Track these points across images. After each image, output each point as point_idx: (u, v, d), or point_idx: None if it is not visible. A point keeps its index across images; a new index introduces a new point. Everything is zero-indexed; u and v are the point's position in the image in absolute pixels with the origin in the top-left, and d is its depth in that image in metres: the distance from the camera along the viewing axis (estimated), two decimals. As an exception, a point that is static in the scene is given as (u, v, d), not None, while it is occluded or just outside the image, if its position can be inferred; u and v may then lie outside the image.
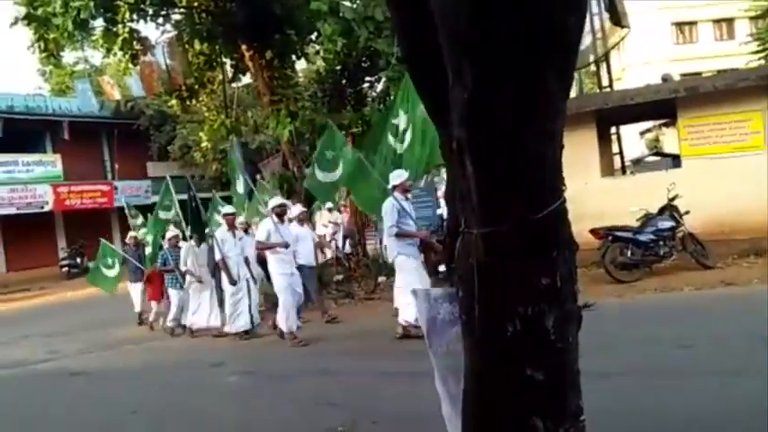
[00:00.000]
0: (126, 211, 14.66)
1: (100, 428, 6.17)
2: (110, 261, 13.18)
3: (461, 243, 2.05)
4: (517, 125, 1.79)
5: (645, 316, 7.46)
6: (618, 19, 12.96)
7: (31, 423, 6.65)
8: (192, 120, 22.07)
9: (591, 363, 2.20)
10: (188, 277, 10.69)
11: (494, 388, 1.97)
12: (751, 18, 31.33)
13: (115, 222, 28.11)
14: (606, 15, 12.89)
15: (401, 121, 8.47)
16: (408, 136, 8.39)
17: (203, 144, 18.90)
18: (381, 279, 13.55)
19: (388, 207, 7.78)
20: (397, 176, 7.92)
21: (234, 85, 16.34)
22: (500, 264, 1.89)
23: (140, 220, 14.39)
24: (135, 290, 12.47)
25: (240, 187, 11.96)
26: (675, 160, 13.75)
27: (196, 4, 13.89)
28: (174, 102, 16.00)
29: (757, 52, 27.36)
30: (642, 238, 9.63)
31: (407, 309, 7.60)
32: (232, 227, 9.90)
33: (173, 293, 11.22)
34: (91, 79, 30.43)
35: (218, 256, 9.65)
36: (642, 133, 27.20)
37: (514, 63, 1.73)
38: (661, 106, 11.96)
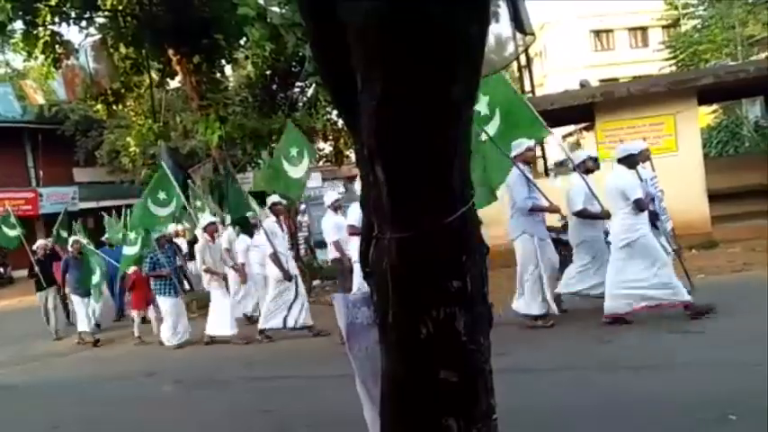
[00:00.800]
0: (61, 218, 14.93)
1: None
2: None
3: (375, 248, 2.08)
4: (425, 132, 1.84)
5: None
6: (522, 27, 13.58)
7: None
8: (119, 125, 21.63)
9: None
10: (206, 277, 9.83)
11: (409, 390, 2.02)
12: (663, 27, 33.18)
13: (41, 230, 27.16)
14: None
15: (481, 105, 7.29)
16: (497, 119, 7.35)
17: (131, 149, 18.59)
18: (316, 282, 13.79)
19: (515, 179, 7.19)
20: (517, 146, 7.24)
21: (161, 89, 16.17)
22: (412, 268, 1.94)
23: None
24: (79, 304, 11.17)
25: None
26: (596, 163, 14.45)
27: (120, 7, 13.71)
28: (99, 106, 15.69)
29: (669, 59, 29.03)
30: (565, 238, 10.14)
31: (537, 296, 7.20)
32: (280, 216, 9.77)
33: (165, 302, 9.82)
34: (12, 83, 29.37)
35: (269, 250, 8.81)
36: (564, 137, 28.36)
37: (421, 72, 1.77)
38: (580, 111, 12.63)
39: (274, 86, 15.48)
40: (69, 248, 11.49)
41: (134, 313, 10.93)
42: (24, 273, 14.08)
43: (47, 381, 8.90)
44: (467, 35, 1.82)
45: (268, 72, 15.01)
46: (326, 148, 18.00)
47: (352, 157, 19.27)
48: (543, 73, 31.26)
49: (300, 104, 16.01)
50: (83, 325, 11.13)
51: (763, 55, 18.45)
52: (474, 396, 2.00)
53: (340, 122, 16.53)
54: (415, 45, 1.75)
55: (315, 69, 13.28)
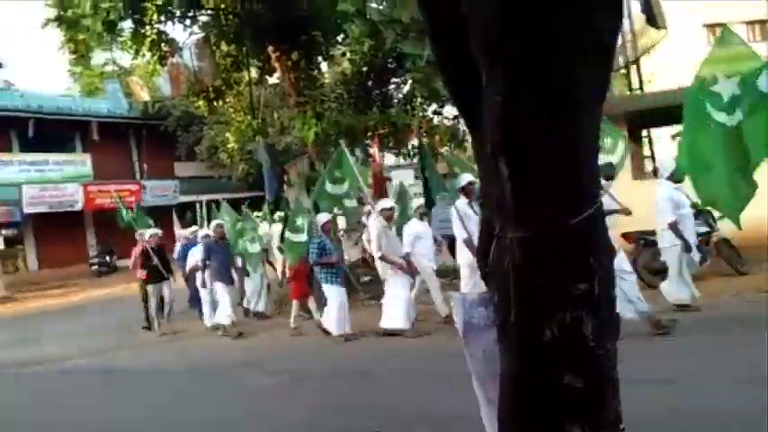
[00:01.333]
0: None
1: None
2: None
3: (496, 247, 2.03)
4: (552, 129, 1.77)
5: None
6: (654, 20, 12.73)
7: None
8: (218, 121, 22.22)
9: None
10: (381, 265, 9.37)
11: (530, 394, 1.95)
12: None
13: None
14: (635, 18, 12.68)
15: (725, 87, 5.81)
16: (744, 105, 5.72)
17: (230, 145, 19.01)
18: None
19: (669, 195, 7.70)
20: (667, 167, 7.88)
21: (260, 86, 16.39)
22: (536, 269, 1.86)
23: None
24: (223, 293, 10.74)
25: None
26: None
27: (223, 6, 13.96)
28: (201, 103, 16.10)
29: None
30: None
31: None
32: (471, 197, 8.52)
33: (331, 290, 9.16)
34: (120, 80, 30.89)
35: (463, 235, 8.05)
36: (674, 136, 26.73)
37: (548, 68, 1.70)
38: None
39: (370, 83, 15.32)
40: (211, 233, 11.23)
41: (294, 303, 10.23)
42: (127, 262, 14.31)
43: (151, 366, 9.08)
44: (599, 27, 1.75)
45: (364, 69, 14.86)
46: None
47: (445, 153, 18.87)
48: (651, 70, 29.72)
49: (395, 101, 15.77)
50: (223, 317, 10.63)
51: None
52: (600, 403, 1.91)
53: (436, 119, 16.19)
54: (543, 42, 1.69)
55: (413, 65, 13.02)
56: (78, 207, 26.32)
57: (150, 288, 11.60)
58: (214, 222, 11.84)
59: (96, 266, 26.07)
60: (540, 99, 1.75)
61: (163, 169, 30.23)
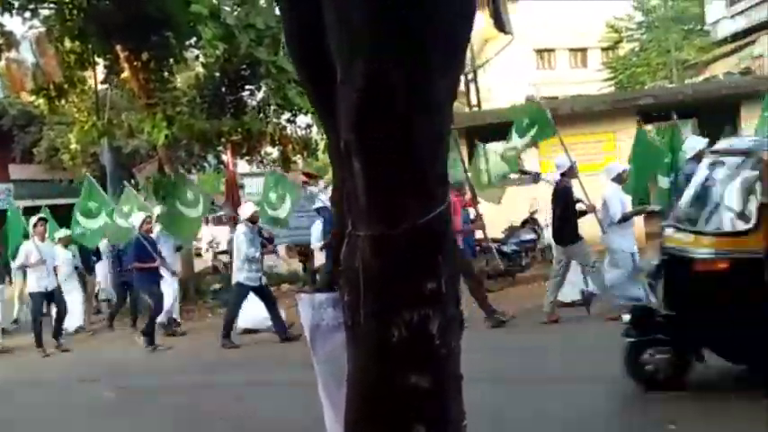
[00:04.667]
0: None
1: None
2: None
3: (348, 246, 2.01)
4: (407, 127, 1.78)
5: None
6: (502, 25, 13.82)
7: None
8: (60, 121, 20.95)
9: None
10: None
11: (377, 395, 1.94)
12: (603, 49, 34.51)
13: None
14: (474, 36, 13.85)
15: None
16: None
17: (72, 146, 18.05)
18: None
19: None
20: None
21: (107, 85, 15.79)
22: (386, 267, 1.87)
23: None
24: None
25: None
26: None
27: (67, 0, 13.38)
28: (41, 101, 15.17)
29: (608, 80, 30.21)
30: (506, 249, 10.50)
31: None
32: None
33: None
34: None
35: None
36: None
37: (404, 65, 1.74)
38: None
39: (224, 88, 15.34)
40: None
41: None
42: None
43: None
44: (454, 29, 1.79)
45: (218, 73, 14.88)
46: (275, 152, 17.92)
47: (300, 163, 19.27)
48: (487, 87, 32.12)
49: (249, 108, 15.91)
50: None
51: (696, 79, 19.46)
52: (445, 402, 1.94)
53: (289, 128, 16.53)
54: (400, 37, 1.72)
55: (266, 72, 13.28)
56: None
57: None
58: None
59: None
60: (396, 96, 1.75)
61: (-5, 172, 27.76)
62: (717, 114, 12.33)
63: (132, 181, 15.17)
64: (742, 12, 17.34)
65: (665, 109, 11.01)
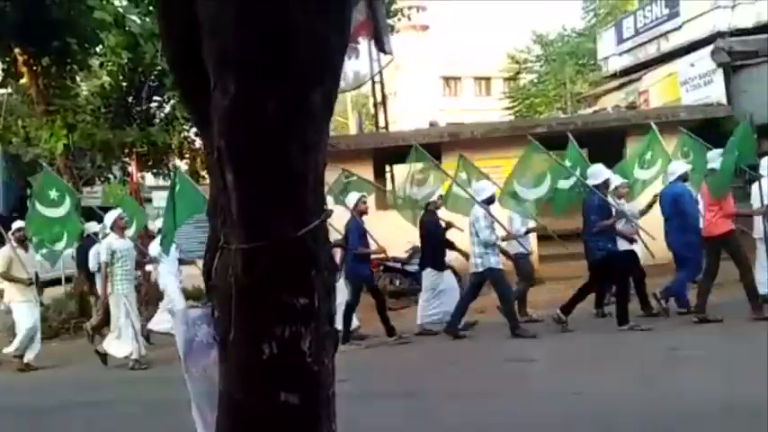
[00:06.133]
0: None
1: None
2: None
3: (220, 260, 1.96)
4: (280, 137, 1.75)
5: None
6: (382, 45, 14.28)
7: None
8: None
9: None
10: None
11: (248, 414, 1.89)
12: (505, 78, 36.30)
13: None
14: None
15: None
16: None
17: (-38, 153, 16.93)
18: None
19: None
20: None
21: (5, 92, 15.02)
22: (257, 282, 1.82)
23: None
24: None
25: None
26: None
27: (-40, -1, 12.67)
28: (-72, 105, 14.24)
29: (508, 108, 31.80)
30: (410, 268, 10.83)
31: None
32: None
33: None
34: None
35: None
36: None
37: (278, 72, 1.71)
38: (428, 149, 13.55)
39: (130, 99, 14.99)
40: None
41: None
42: None
43: None
44: (327, 43, 1.78)
45: (124, 84, 14.54)
46: (182, 166, 17.60)
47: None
48: (395, 112, 33.07)
49: (157, 120, 15.61)
50: None
51: (588, 110, 20.72)
52: (315, 420, 1.91)
53: (198, 142, 16.33)
54: (273, 43, 1.70)
55: (173, 84, 13.12)
56: None
57: None
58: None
59: None
60: (268, 105, 1.72)
61: None
62: (605, 144, 13.29)
63: (29, 191, 14.42)
64: (629, 50, 18.65)
65: (557, 138, 11.73)
